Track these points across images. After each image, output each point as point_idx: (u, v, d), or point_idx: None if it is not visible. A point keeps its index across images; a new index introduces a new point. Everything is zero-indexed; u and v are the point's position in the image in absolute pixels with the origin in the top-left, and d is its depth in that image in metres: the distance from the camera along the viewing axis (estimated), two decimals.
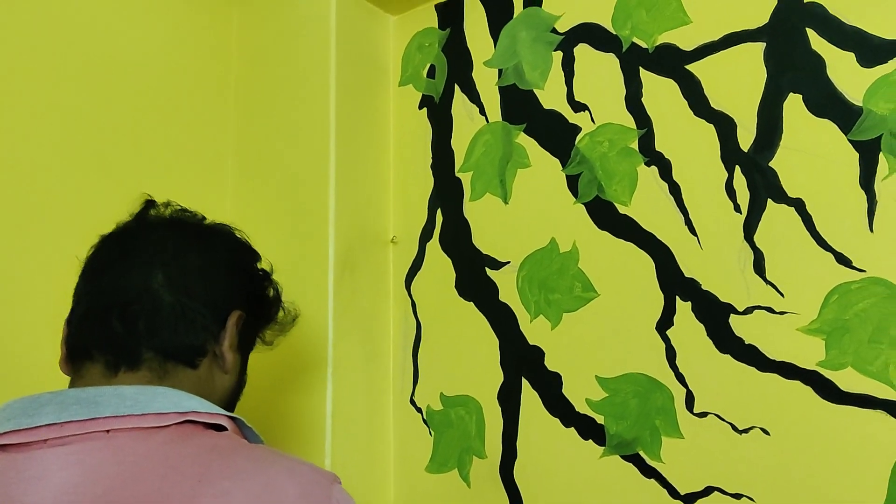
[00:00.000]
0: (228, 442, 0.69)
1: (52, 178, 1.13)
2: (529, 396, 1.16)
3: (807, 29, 0.98)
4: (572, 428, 1.11)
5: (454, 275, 1.28)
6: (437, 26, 1.38)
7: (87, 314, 0.76)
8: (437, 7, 1.39)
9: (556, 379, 1.14)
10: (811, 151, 0.96)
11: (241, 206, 1.38)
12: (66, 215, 1.13)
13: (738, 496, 0.97)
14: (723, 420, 0.99)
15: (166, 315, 0.75)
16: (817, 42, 0.97)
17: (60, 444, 0.64)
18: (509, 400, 1.18)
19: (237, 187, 1.40)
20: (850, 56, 0.94)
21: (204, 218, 0.89)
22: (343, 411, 1.22)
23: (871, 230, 0.90)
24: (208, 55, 1.40)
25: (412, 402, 1.29)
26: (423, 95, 1.38)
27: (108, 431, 0.65)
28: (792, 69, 0.98)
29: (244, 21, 1.45)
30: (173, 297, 0.76)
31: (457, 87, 1.33)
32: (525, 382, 1.17)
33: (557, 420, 1.13)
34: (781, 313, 0.96)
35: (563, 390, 1.13)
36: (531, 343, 1.17)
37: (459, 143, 1.31)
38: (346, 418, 1.22)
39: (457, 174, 1.30)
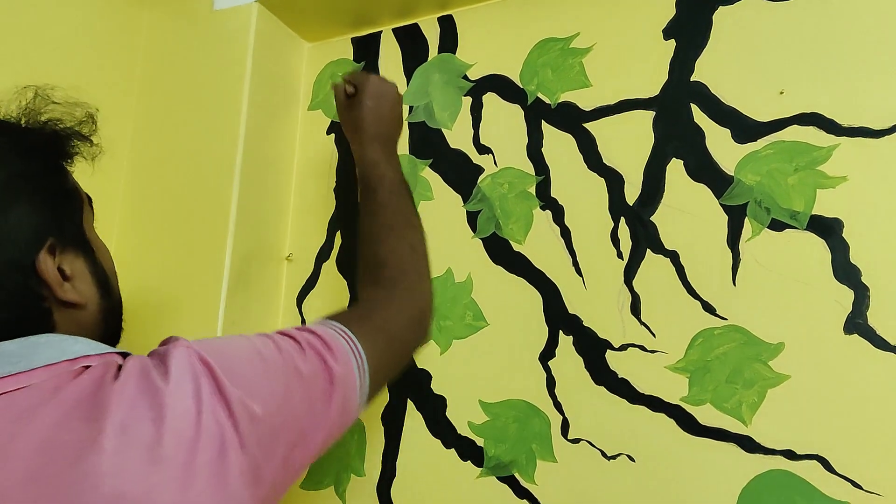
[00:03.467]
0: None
1: None
2: (413, 417, 1.20)
3: (691, 104, 1.11)
4: (452, 449, 1.16)
5: (349, 296, 1.31)
6: (351, 58, 1.43)
7: None
8: (353, 40, 1.44)
9: (441, 402, 1.19)
10: (687, 210, 1.08)
11: (133, 209, 1.35)
12: None
13: None
14: (594, 446, 1.07)
15: None
16: (699, 116, 1.10)
17: None
18: (393, 420, 1.22)
19: (130, 190, 1.37)
20: (726, 132, 1.07)
21: None
22: None
23: (734, 284, 1.03)
24: (112, 51, 1.38)
25: None
26: (332, 122, 1.42)
27: None
28: (676, 137, 1.11)
29: (154, 24, 1.44)
30: None
31: None
32: (410, 404, 1.21)
33: (439, 441, 1.17)
34: (652, 352, 1.06)
35: (447, 413, 1.18)
36: (419, 366, 1.22)
37: None
38: None
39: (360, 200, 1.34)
